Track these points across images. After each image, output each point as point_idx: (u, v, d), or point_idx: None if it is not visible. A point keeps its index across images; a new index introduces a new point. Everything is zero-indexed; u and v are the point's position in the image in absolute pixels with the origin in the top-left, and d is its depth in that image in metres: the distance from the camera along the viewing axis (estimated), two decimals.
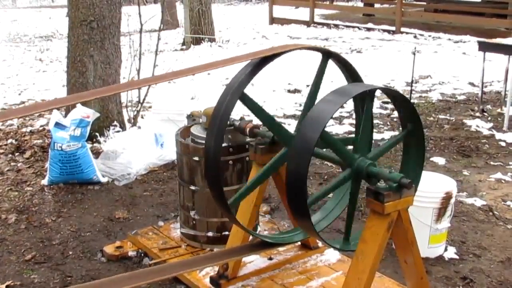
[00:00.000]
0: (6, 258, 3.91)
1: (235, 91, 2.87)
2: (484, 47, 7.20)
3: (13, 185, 5.07)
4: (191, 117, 3.96)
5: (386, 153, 5.56)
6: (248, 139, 3.50)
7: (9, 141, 6.11)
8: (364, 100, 3.22)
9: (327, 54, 3.10)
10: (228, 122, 3.32)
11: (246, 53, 3.16)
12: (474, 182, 5.10)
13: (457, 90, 8.55)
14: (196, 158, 3.58)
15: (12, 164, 5.53)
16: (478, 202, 4.70)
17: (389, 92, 2.81)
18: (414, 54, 6.12)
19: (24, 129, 6.50)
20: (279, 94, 8.16)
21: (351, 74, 3.17)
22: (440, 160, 5.58)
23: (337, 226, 4.17)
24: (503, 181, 5.14)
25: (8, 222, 4.41)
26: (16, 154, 5.76)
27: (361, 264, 2.66)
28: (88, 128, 5.15)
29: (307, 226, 2.63)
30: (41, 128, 6.46)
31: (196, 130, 3.70)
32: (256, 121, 3.35)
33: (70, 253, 3.97)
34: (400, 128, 3.08)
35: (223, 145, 3.50)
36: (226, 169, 3.61)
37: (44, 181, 5.06)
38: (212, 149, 2.88)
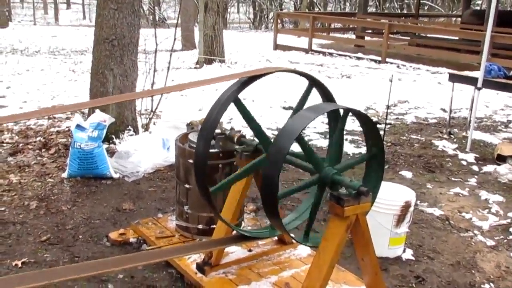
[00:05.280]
0: (24, 239, 3.93)
1: (224, 104, 2.89)
2: (453, 78, 7.23)
3: (37, 177, 5.09)
4: (190, 125, 3.99)
5: (359, 167, 5.62)
6: (236, 146, 3.53)
7: (38, 138, 6.15)
8: (335, 117, 3.25)
9: (312, 81, 3.13)
10: (220, 131, 3.37)
11: (238, 72, 3.20)
12: (435, 195, 5.10)
13: (430, 114, 8.56)
14: (191, 161, 3.60)
15: (39, 158, 5.57)
16: (437, 212, 4.69)
17: (357, 112, 2.82)
18: (391, 81, 6.10)
19: (52, 129, 6.54)
20: (275, 110, 8.18)
21: (325, 94, 3.19)
22: (408, 174, 5.58)
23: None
24: (461, 195, 5.13)
25: (29, 208, 4.43)
26: (43, 150, 5.79)
27: (322, 259, 2.66)
28: (105, 131, 5.18)
29: (277, 223, 2.65)
30: (66, 129, 6.49)
31: (193, 137, 3.73)
32: (244, 131, 3.39)
33: (80, 237, 4.00)
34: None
35: (215, 150, 3.53)
36: (216, 171, 3.63)
37: (64, 174, 5.09)
38: (201, 153, 2.90)
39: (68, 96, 8.67)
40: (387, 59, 14.34)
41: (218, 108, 2.87)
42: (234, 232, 3.36)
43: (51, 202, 4.57)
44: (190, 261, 3.42)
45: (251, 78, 2.98)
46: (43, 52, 15.37)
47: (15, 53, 14.81)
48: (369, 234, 2.78)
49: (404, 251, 3.90)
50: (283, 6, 33.61)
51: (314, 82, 3.13)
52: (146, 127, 6.26)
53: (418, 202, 4.77)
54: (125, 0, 5.61)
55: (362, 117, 2.82)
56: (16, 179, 5.02)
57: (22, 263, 3.58)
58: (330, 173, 2.71)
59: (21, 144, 5.96)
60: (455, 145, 6.72)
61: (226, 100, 2.88)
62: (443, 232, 4.34)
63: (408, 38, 17.46)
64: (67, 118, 6.95)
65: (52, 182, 4.98)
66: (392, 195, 3.72)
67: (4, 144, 5.97)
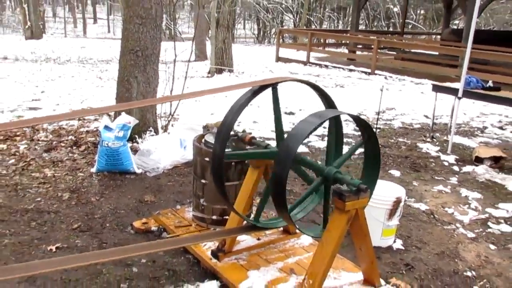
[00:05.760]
0: (58, 226, 3.90)
1: (237, 110, 2.86)
2: (436, 89, 7.18)
3: (69, 171, 5.06)
4: (206, 128, 3.95)
5: (354, 167, 5.58)
6: (247, 147, 3.49)
7: (70, 137, 6.11)
8: (335, 122, 3.21)
9: (317, 90, 3.09)
10: (234, 133, 3.33)
11: (250, 81, 3.16)
12: (421, 191, 5.05)
13: (414, 120, 8.51)
14: (207, 159, 3.57)
15: (70, 155, 5.53)
16: (423, 207, 4.65)
17: (355, 118, 2.78)
18: (381, 90, 6.08)
19: (82, 129, 6.51)
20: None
21: (328, 101, 3.16)
22: (396, 173, 5.53)
23: (312, 218, 4.14)
24: (443, 192, 5.09)
25: (62, 199, 4.40)
26: (74, 147, 5.76)
27: (325, 248, 2.63)
28: (129, 131, 5.14)
29: (285, 216, 2.61)
30: (94, 129, 6.45)
31: (209, 138, 3.69)
32: (254, 134, 3.35)
33: (107, 225, 3.96)
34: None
35: (228, 150, 3.48)
36: (229, 168, 3.59)
37: (93, 169, 5.05)
38: (218, 152, 2.87)
39: (96, 100, 8.64)
40: (376, 71, 14.29)
41: (233, 113, 2.84)
42: (245, 222, 3.33)
43: (81, 193, 4.54)
44: (206, 248, 3.39)
45: (262, 87, 2.95)
46: (73, 61, 15.34)
47: (49, 62, 14.79)
48: (366, 226, 2.75)
49: (394, 241, 3.86)
50: (283, 23, 33.55)
51: (318, 91, 3.09)
52: (165, 128, 6.23)
53: (406, 198, 4.73)
54: (149, 16, 5.58)
55: (361, 122, 2.78)
56: (50, 173, 4.99)
57: (56, 248, 3.55)
58: (331, 173, 2.68)
59: (54, 142, 5.93)
60: (437, 148, 6.67)
61: (240, 107, 2.85)
62: (428, 225, 4.30)
63: (394, 53, 17.41)
64: (96, 120, 6.92)
65: (82, 176, 4.94)
66: (385, 191, 3.67)
67: (40, 142, 5.94)
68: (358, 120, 2.74)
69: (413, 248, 3.84)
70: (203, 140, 3.75)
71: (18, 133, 6.18)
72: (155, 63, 5.80)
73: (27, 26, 22.15)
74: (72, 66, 14.08)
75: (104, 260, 2.64)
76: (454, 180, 5.45)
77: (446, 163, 6.04)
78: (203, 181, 3.68)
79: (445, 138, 7.20)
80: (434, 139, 7.14)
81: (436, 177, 5.51)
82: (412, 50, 17.69)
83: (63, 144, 5.85)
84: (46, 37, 24.37)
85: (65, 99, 8.67)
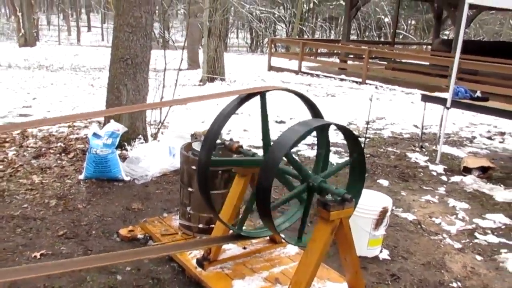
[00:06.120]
0: (43, 233, 3.85)
1: (225, 117, 2.84)
2: (425, 98, 7.21)
3: (57, 178, 5.01)
4: (194, 136, 3.93)
5: (342, 176, 5.57)
6: (234, 155, 3.47)
7: (59, 144, 6.06)
8: (321, 131, 3.19)
9: (302, 99, 3.09)
10: (220, 141, 3.31)
11: (238, 89, 3.15)
12: (409, 201, 5.04)
13: (404, 130, 8.52)
14: (194, 167, 3.54)
15: (59, 161, 5.48)
16: (410, 216, 4.64)
17: (341, 127, 2.77)
18: (370, 100, 6.07)
19: (71, 136, 6.46)
20: (269, 124, 8.10)
21: (314, 111, 3.15)
22: (385, 182, 5.52)
23: (298, 227, 4.11)
24: (431, 202, 5.08)
25: (49, 205, 4.36)
26: (63, 154, 5.71)
27: (310, 258, 2.60)
28: (118, 139, 5.10)
29: (269, 225, 2.59)
30: (84, 136, 6.40)
31: (196, 146, 3.67)
32: (244, 142, 3.33)
33: (93, 232, 3.92)
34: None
35: (216, 159, 3.46)
36: (216, 177, 3.57)
37: (81, 176, 5.01)
38: (203, 161, 2.84)
39: (87, 107, 8.58)
40: (367, 81, 14.33)
41: (220, 121, 2.82)
42: (231, 231, 3.30)
43: (68, 200, 4.49)
44: (191, 257, 3.35)
45: (250, 95, 2.93)
46: (66, 69, 15.28)
47: (41, 69, 14.72)
48: (351, 236, 2.73)
49: (381, 251, 3.84)
50: (276, 33, 33.68)
51: (304, 100, 3.09)
52: (154, 136, 6.19)
53: (394, 207, 4.72)
54: (139, 25, 5.56)
55: (346, 131, 2.77)
56: (38, 179, 4.94)
57: (41, 254, 3.51)
58: (317, 181, 2.66)
59: (43, 149, 5.88)
60: (426, 158, 6.68)
61: (227, 114, 2.83)
62: (415, 235, 4.28)
63: (385, 62, 17.47)
64: (85, 127, 6.88)
65: (70, 183, 4.90)
66: (371, 201, 3.66)
67: (29, 148, 5.89)
68: (343, 130, 2.73)
69: (399, 258, 3.82)
70: (191, 149, 3.72)
71: (7, 139, 6.12)
72: (145, 71, 5.78)
73: (21, 34, 22.08)
74: (65, 73, 14.01)
75: (89, 267, 2.60)
76: (442, 190, 5.45)
77: (434, 173, 6.03)
78: (190, 189, 3.65)
79: (434, 148, 7.21)
80: (423, 149, 7.14)
81: (424, 187, 5.50)
82: (403, 60, 17.78)
83: (52, 151, 5.80)
84: (40, 44, 24.29)
85: (57, 106, 8.61)
